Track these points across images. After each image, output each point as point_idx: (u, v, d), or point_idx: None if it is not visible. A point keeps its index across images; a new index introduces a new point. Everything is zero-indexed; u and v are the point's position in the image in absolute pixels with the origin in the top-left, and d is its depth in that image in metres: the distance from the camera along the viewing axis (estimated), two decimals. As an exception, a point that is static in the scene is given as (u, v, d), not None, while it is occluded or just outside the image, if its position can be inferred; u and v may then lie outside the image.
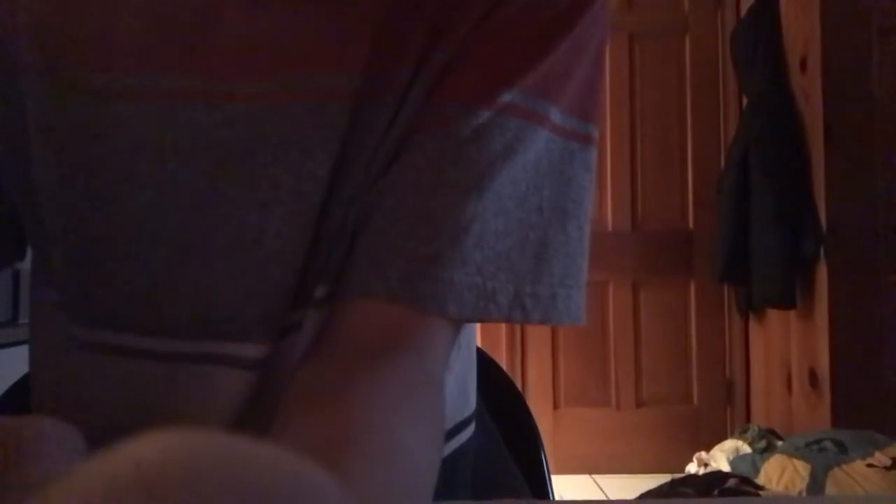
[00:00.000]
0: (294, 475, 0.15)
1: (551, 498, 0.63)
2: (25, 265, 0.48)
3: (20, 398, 0.56)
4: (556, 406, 2.63)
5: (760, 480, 1.87)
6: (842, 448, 1.83)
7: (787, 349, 2.35)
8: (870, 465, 1.75)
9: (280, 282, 0.39)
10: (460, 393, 0.51)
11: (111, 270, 0.40)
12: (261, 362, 0.40)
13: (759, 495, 1.72)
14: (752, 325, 2.58)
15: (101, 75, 0.39)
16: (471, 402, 0.53)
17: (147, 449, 0.14)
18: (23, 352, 0.52)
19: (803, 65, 2.22)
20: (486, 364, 0.64)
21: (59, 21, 0.40)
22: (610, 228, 2.63)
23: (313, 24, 0.39)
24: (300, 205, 0.39)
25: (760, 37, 2.34)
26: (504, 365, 2.55)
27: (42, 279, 0.44)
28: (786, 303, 2.22)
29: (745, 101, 2.45)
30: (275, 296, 0.40)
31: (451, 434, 0.49)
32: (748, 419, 2.56)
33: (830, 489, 1.73)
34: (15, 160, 0.42)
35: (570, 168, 0.41)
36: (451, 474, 0.44)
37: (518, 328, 2.60)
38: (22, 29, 0.40)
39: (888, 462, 1.76)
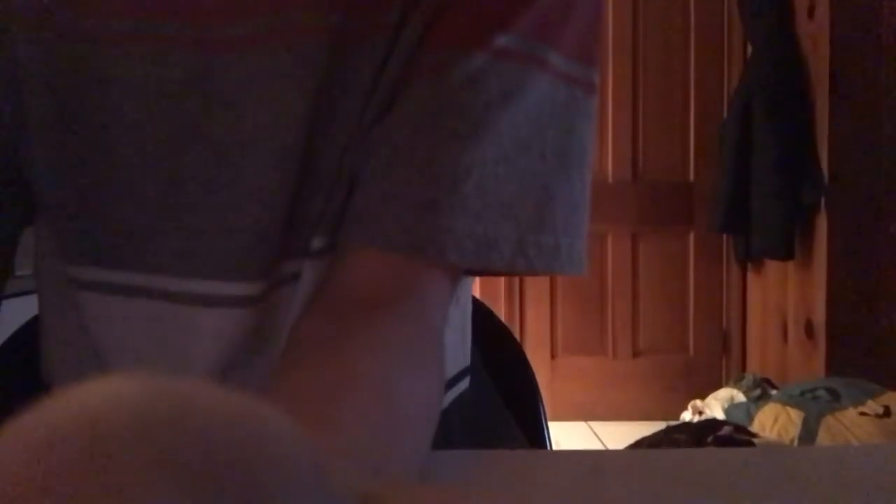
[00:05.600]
0: (253, 430, 0.14)
1: (548, 447, 0.64)
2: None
3: (20, 347, 0.56)
4: (553, 355, 2.66)
5: (754, 428, 1.90)
6: (835, 396, 1.86)
7: (783, 299, 2.36)
8: (862, 413, 1.78)
9: (261, 220, 0.40)
10: (457, 346, 0.51)
11: (103, 209, 0.41)
12: (247, 302, 0.40)
13: (752, 443, 1.75)
14: (750, 275, 2.59)
15: (91, 21, 0.39)
16: (467, 355, 0.53)
17: (95, 396, 0.13)
18: (21, 303, 0.52)
19: (811, 11, 2.17)
20: (484, 315, 0.64)
21: None
22: (610, 179, 2.61)
23: None
24: (279, 142, 0.39)
25: (768, -18, 2.28)
26: (503, 315, 2.57)
27: (40, 224, 0.45)
28: (784, 254, 2.22)
29: (749, 49, 2.41)
30: (256, 234, 0.40)
31: (448, 386, 0.49)
32: (744, 369, 2.59)
33: (823, 437, 1.76)
34: (7, 106, 0.42)
35: (574, 115, 0.41)
36: (447, 425, 0.45)
37: (517, 279, 2.61)
38: None
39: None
